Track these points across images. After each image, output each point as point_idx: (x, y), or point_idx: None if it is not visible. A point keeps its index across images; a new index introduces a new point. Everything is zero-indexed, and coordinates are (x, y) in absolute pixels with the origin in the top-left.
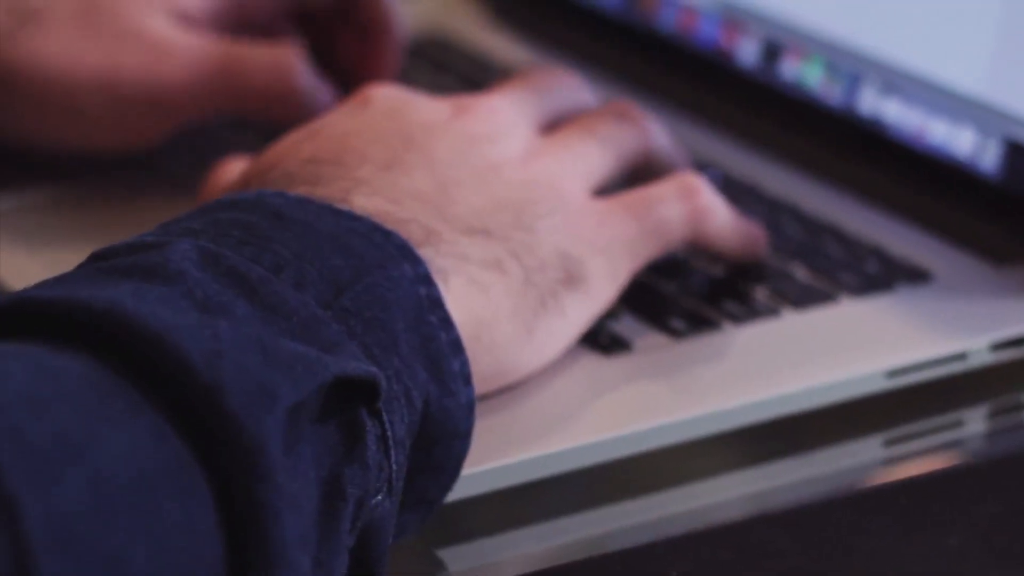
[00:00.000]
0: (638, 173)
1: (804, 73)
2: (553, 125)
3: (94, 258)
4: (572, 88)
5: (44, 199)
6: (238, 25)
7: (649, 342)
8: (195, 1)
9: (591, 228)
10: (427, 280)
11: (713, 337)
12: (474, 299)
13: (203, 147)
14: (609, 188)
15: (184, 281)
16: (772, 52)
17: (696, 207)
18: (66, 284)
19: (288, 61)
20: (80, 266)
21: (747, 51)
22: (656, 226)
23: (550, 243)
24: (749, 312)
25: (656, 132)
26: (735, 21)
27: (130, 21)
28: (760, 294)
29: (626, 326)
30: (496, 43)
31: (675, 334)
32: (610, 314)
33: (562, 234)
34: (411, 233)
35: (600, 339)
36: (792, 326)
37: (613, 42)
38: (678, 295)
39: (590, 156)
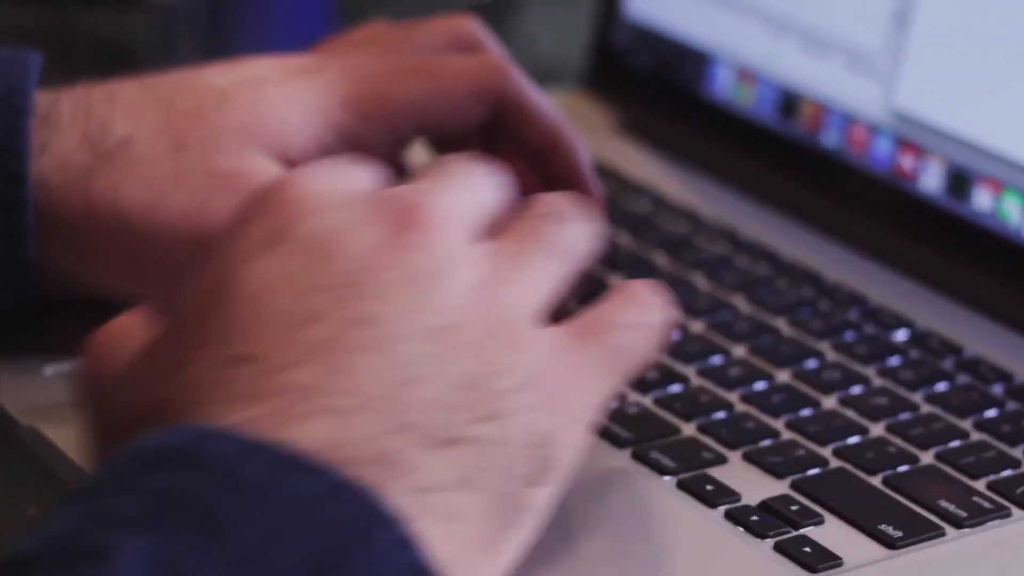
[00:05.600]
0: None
1: (1000, 206)
2: (491, 227)
3: (8, 569)
4: (490, 176)
5: None
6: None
7: (861, 555)
8: (300, 139)
9: (565, 390)
10: (405, 545)
11: (936, 547)
12: (449, 536)
13: None
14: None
15: None
16: (960, 179)
17: (656, 324)
18: None
19: None
20: None
21: (929, 176)
22: (631, 364)
23: (522, 429)
24: (973, 512)
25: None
26: (915, 141)
27: (223, 161)
28: (980, 485)
29: (830, 533)
30: (623, 157)
31: (889, 543)
32: (811, 518)
33: (535, 411)
34: (372, 471)
35: (803, 552)
36: None
37: (763, 159)
38: (884, 492)
39: (547, 274)
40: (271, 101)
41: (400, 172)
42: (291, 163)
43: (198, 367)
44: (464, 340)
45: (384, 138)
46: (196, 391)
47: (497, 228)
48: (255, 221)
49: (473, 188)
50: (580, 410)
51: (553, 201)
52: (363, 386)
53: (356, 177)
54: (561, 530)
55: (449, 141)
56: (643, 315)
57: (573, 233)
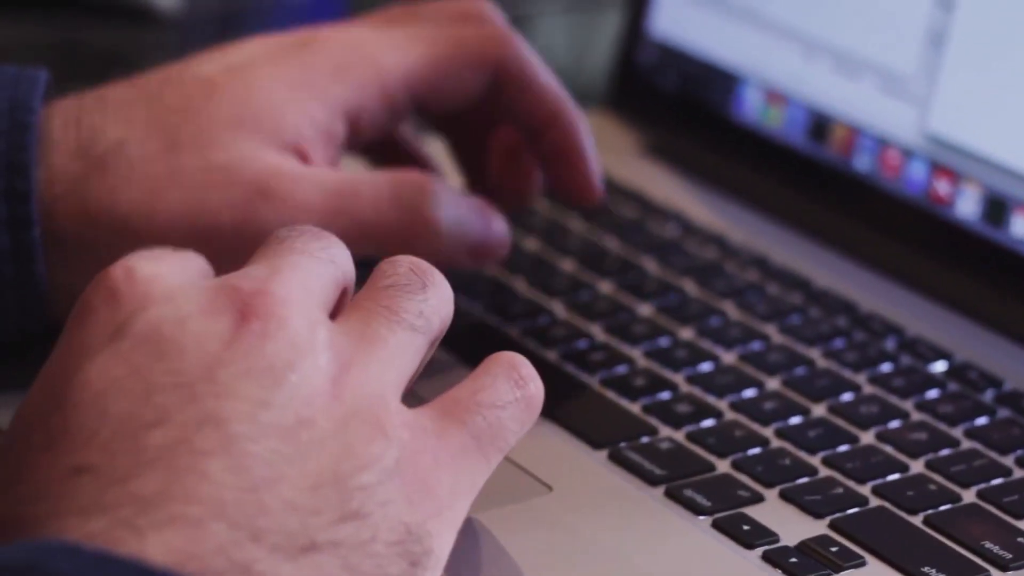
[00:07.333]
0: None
1: None
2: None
3: None
4: (329, 249)
5: None
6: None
7: None
8: (292, 121)
9: (430, 477)
10: None
11: None
12: None
13: None
14: None
15: None
16: (997, 205)
17: (529, 397)
18: None
19: (415, 186)
20: None
21: (966, 202)
22: (501, 444)
23: (387, 526)
24: (1018, 554)
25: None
26: (950, 165)
27: (217, 156)
28: (1023, 525)
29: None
30: (648, 180)
31: None
32: (852, 560)
33: (400, 504)
34: None
35: None
36: None
37: (793, 183)
38: (926, 532)
39: (402, 349)
40: (259, 86)
41: (411, 157)
42: (287, 145)
43: (40, 477)
44: (318, 435)
45: (380, 109)
46: (40, 503)
47: (344, 305)
48: (95, 313)
49: (313, 265)
50: (449, 497)
51: (403, 270)
52: (212, 493)
53: (194, 260)
54: (591, 575)
55: (449, 116)
56: (511, 392)
57: (426, 301)
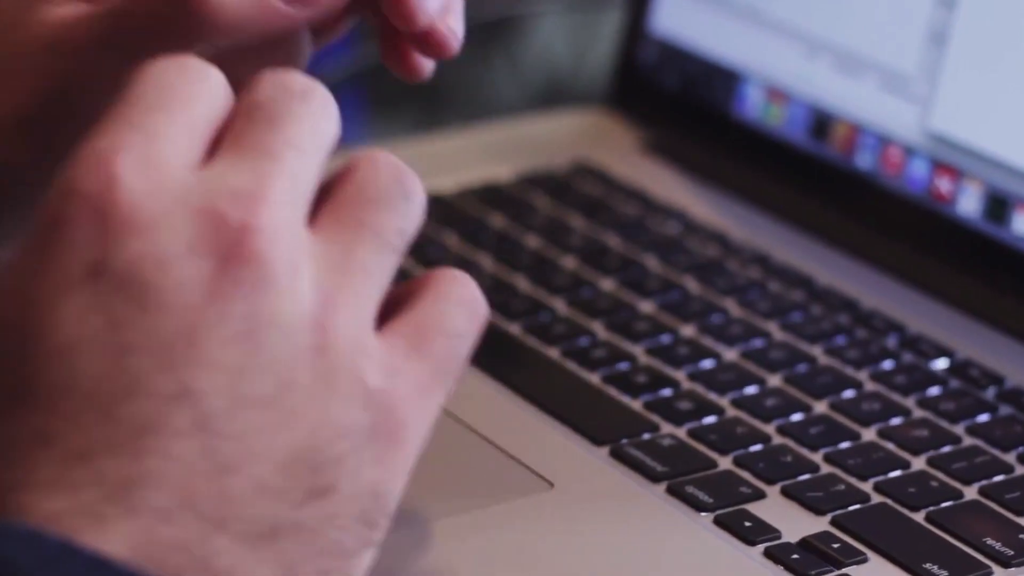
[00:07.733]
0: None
1: None
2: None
3: None
4: (323, 116)
5: None
6: None
7: None
8: None
9: (401, 428)
10: None
11: None
12: None
13: None
14: None
15: None
16: (999, 202)
17: (480, 320)
18: None
19: None
20: None
21: (967, 199)
22: (457, 374)
23: (353, 497)
24: (1020, 551)
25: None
26: (952, 163)
27: (12, 36)
28: None
29: (873, 573)
30: (650, 178)
31: None
32: (854, 557)
33: (369, 467)
34: (185, 572)
35: None
36: None
37: (795, 181)
38: (928, 529)
39: (382, 275)
40: None
41: None
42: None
43: (3, 437)
44: (296, 400)
45: None
46: (3, 470)
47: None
48: (71, 232)
49: (301, 165)
50: (413, 441)
51: (384, 178)
52: (181, 479)
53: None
54: (593, 571)
55: None
56: (469, 319)
57: (407, 215)
